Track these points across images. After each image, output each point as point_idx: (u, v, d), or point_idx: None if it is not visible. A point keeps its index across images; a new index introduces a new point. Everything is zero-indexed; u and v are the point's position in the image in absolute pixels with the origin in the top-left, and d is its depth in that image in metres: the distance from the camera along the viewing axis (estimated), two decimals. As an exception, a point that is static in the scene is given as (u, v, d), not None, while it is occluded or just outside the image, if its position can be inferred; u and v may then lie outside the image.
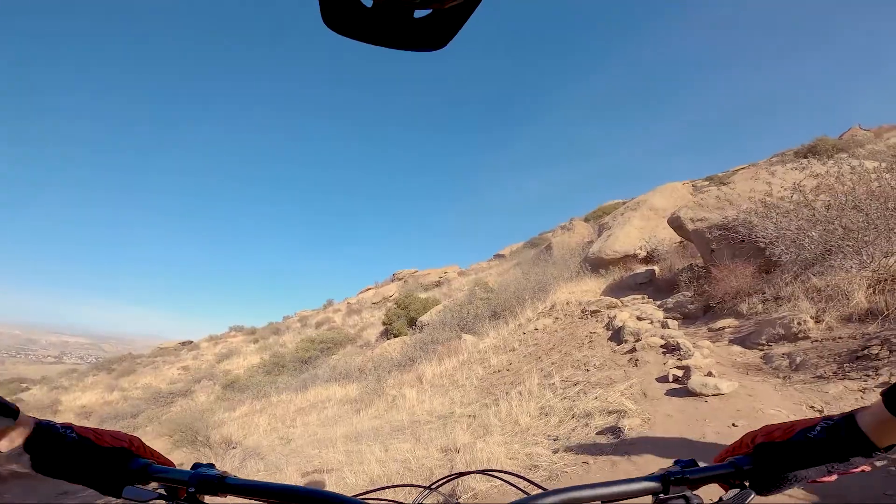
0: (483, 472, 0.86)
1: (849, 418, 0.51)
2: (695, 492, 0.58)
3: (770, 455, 0.55)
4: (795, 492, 2.28)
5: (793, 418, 0.61)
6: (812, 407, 3.36)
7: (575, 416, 4.64)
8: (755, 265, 6.32)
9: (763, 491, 0.57)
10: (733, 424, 3.11)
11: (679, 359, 4.90)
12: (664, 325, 6.31)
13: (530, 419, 5.15)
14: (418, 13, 0.39)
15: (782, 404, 3.42)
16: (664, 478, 0.58)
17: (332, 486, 4.73)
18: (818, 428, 0.53)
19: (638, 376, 4.93)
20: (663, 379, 4.63)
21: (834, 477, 0.54)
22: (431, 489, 0.78)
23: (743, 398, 3.54)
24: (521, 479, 0.82)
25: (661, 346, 5.52)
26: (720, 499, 0.58)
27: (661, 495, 0.58)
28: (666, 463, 0.61)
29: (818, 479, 0.54)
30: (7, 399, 0.57)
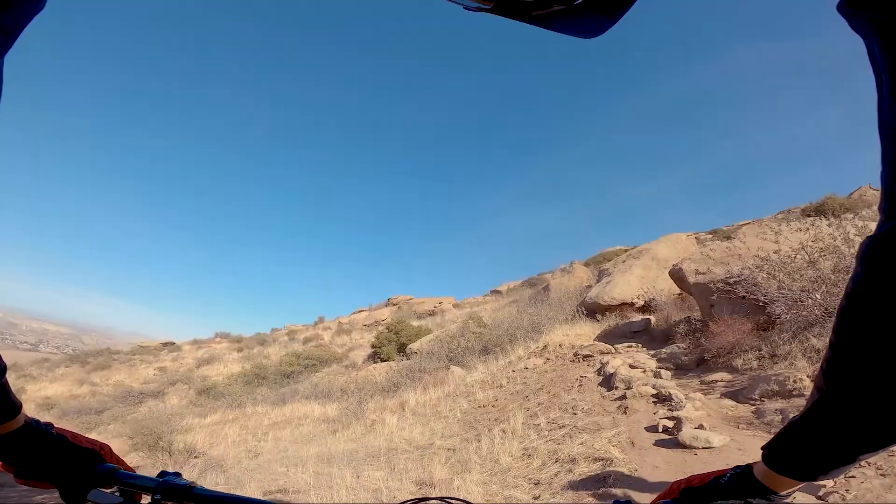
0: (442, 499, 0.79)
1: (748, 468, 0.61)
2: None
3: (691, 498, 0.64)
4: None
5: None
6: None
7: (559, 461, 4.43)
8: (754, 322, 6.23)
9: None
10: (725, 482, 2.93)
11: (670, 409, 4.74)
12: (657, 375, 6.15)
13: (512, 459, 4.92)
14: None
15: (776, 465, 3.24)
16: None
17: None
18: (728, 475, 0.63)
19: (626, 424, 4.75)
20: (652, 429, 4.46)
21: None
22: None
23: (734, 452, 3.37)
24: None
25: (653, 396, 5.35)
26: None
27: None
28: None
29: None
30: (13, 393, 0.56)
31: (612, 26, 0.52)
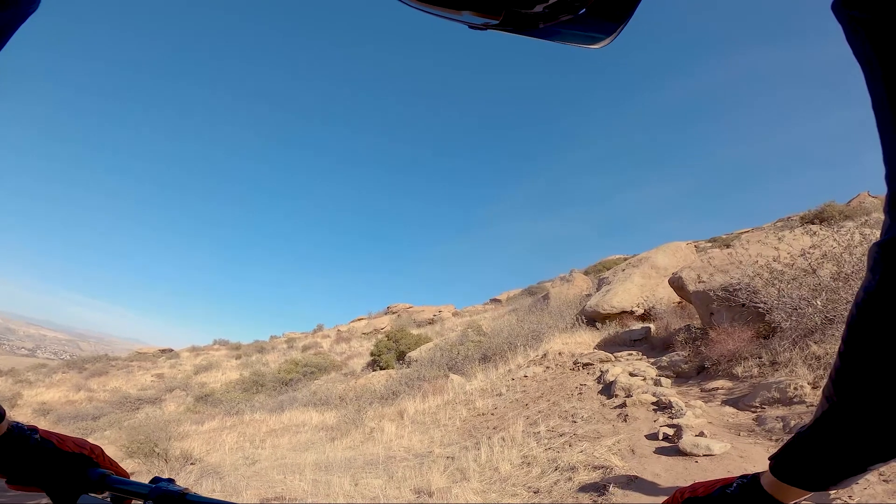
0: None
1: (755, 478, 0.59)
2: None
3: None
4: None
5: None
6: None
7: (559, 469, 4.40)
8: (754, 330, 6.22)
9: None
10: (725, 489, 2.91)
11: (670, 417, 4.72)
12: (657, 383, 6.13)
13: (511, 468, 4.89)
14: None
15: (777, 472, 3.23)
16: None
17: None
18: (734, 485, 0.60)
19: (626, 432, 4.72)
20: (653, 436, 4.43)
21: None
22: None
23: (734, 459, 3.36)
24: None
25: (653, 404, 5.33)
26: None
27: None
28: None
29: None
30: None
31: (616, 34, 0.52)
